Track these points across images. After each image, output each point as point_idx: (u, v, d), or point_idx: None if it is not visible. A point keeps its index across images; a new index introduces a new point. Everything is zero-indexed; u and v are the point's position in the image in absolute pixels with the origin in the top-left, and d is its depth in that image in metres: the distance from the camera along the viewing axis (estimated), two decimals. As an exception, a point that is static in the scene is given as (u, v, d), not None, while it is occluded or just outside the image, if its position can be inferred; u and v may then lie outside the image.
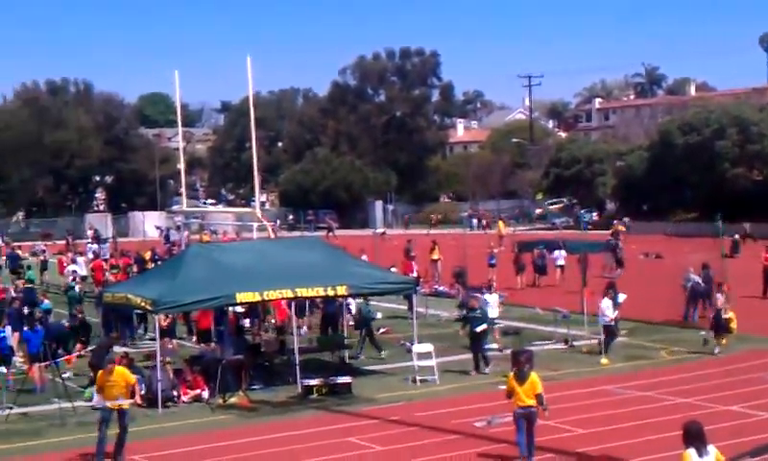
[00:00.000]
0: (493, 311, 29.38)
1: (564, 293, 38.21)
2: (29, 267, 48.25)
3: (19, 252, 56.25)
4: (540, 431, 17.93)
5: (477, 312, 26.86)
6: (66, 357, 26.78)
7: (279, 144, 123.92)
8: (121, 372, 19.12)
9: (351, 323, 31.22)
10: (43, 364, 24.79)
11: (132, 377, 19.45)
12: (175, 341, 29.42)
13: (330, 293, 25.69)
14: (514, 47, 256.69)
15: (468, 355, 26.98)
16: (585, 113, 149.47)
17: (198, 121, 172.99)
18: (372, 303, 30.13)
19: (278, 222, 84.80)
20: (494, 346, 28.53)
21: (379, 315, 33.28)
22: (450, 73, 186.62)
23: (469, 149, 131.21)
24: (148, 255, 47.65)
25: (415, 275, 38.67)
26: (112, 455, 18.91)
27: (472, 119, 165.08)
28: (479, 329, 26.42)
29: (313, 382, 24.36)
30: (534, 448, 17.48)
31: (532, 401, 17.24)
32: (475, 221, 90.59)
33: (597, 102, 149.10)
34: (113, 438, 18.84)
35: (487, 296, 29.56)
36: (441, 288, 42.84)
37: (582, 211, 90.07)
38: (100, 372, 19.47)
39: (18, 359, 27.51)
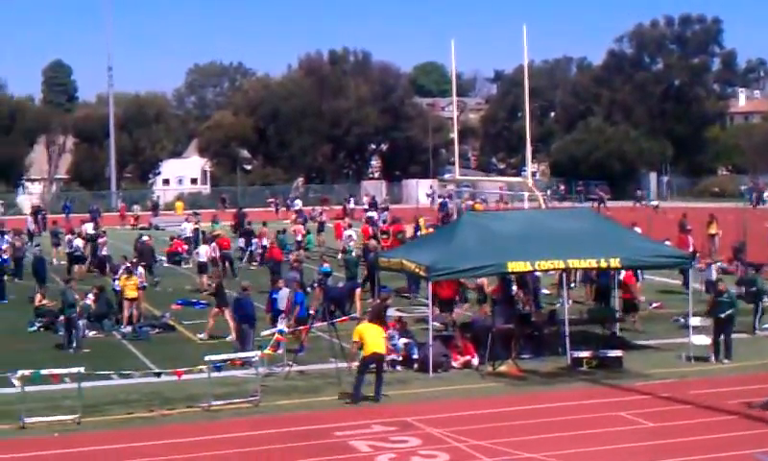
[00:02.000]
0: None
1: None
2: (308, 231, 50.16)
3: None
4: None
5: (725, 297, 25.39)
6: (341, 319, 27.77)
7: (552, 114, 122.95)
8: (379, 330, 21.92)
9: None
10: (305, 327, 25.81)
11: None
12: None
13: (603, 265, 25.36)
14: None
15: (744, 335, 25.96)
16: None
17: (471, 90, 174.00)
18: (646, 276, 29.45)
19: (549, 192, 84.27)
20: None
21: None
22: (733, 41, 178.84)
23: (751, 119, 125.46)
24: (422, 222, 48.72)
25: (691, 249, 37.45)
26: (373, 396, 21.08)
27: (755, 89, 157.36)
28: (724, 315, 25.01)
29: (583, 354, 24.19)
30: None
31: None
32: (755, 195, 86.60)
33: None
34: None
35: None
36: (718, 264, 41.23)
37: None
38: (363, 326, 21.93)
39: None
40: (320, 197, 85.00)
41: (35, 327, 30.33)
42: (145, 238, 43.40)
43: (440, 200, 73.37)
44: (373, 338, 21.44)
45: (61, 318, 28.30)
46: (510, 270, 24.77)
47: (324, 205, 72.43)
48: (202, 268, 38.34)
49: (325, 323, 25.24)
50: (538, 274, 28.46)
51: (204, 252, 39.06)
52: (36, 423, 19.80)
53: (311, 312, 26.36)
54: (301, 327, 25.73)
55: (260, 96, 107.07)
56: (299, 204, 71.14)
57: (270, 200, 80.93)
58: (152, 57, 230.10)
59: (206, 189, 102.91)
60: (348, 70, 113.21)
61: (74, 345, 27.06)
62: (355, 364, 21.93)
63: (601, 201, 76.87)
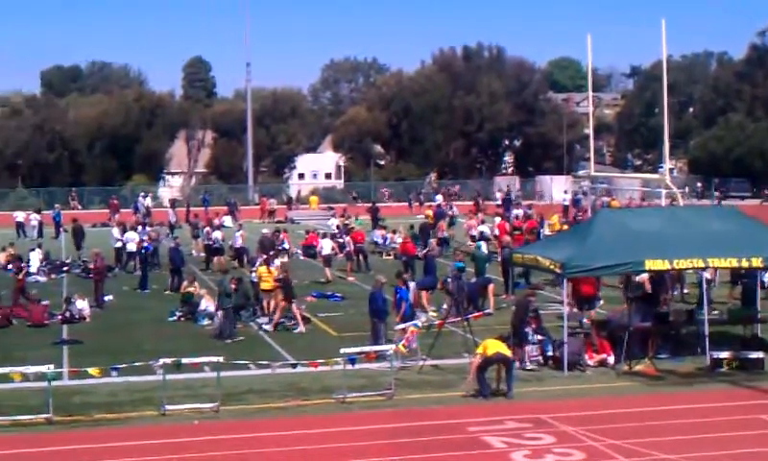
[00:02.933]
0: None
1: None
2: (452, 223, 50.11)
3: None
4: None
5: None
6: (475, 314, 27.68)
7: (690, 110, 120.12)
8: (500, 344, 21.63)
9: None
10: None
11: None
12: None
13: (744, 264, 24.66)
14: None
15: None
16: None
17: (606, 86, 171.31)
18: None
19: (687, 189, 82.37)
20: None
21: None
22: None
23: None
24: (554, 219, 48.22)
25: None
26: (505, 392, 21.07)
27: None
28: None
29: (723, 355, 23.60)
30: None
31: None
32: None
33: None
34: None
35: None
36: None
37: None
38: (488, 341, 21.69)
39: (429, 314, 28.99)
40: (447, 191, 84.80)
41: (175, 317, 31.20)
42: (264, 231, 44.19)
43: (573, 196, 72.56)
44: (495, 345, 21.43)
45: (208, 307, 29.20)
46: (647, 268, 24.30)
47: (451, 199, 72.39)
48: (327, 261, 39.49)
49: (459, 318, 25.23)
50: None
51: (329, 246, 40.02)
52: (176, 410, 20.36)
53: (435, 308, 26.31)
54: (437, 322, 25.81)
55: (393, 92, 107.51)
56: (439, 198, 71.17)
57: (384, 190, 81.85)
58: (288, 53, 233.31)
59: (340, 184, 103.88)
60: (481, 66, 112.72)
61: (229, 334, 27.75)
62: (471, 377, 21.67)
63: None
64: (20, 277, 33.91)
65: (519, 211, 55.94)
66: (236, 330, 28.35)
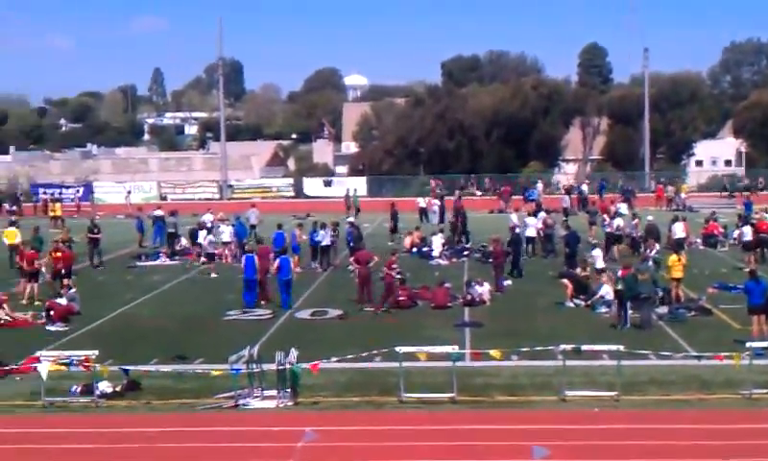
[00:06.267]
0: None
1: None
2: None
3: None
4: None
5: None
6: None
7: None
8: None
9: None
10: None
11: None
12: None
13: None
14: None
15: None
16: None
17: None
18: None
19: None
20: None
21: None
22: None
23: None
24: None
25: None
26: None
27: None
28: None
29: None
30: None
31: None
32: None
33: None
34: None
35: None
36: None
37: None
38: None
39: None
40: None
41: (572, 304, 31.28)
42: (650, 218, 43.11)
43: None
44: None
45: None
46: None
47: None
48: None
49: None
50: None
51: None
52: (576, 396, 20.45)
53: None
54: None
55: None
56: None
57: None
58: (687, 36, 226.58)
59: (741, 171, 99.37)
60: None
61: (627, 324, 27.56)
62: None
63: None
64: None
65: None
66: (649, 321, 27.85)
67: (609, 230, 42.64)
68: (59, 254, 34.77)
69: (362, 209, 64.31)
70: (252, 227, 48.16)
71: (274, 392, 20.78)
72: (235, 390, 21.11)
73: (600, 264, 33.74)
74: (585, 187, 69.89)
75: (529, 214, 46.39)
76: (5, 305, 30.17)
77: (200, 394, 21.24)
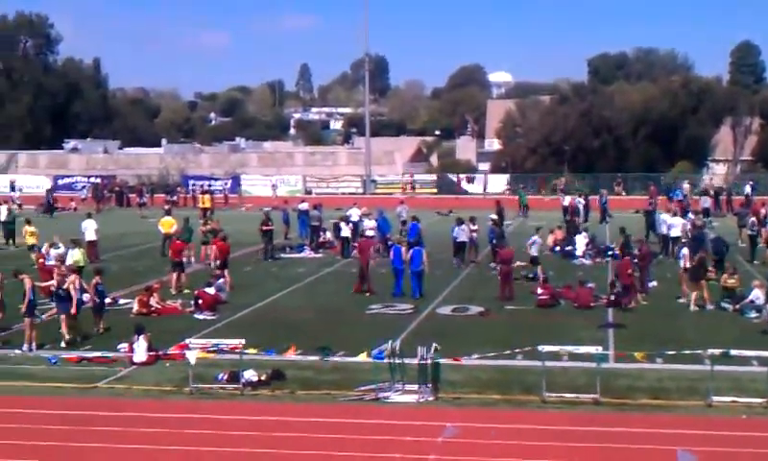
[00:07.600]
0: None
1: None
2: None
3: None
4: None
5: None
6: None
7: None
8: None
9: None
10: None
11: None
12: None
13: None
14: None
15: None
16: None
17: None
18: None
19: None
20: None
21: None
22: None
23: None
24: None
25: None
26: None
27: None
28: None
29: None
30: None
31: None
32: None
33: None
34: None
35: None
36: None
37: None
38: None
39: None
40: None
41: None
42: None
43: None
44: None
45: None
46: None
47: None
48: None
49: None
50: None
51: None
52: (723, 402, 19.95)
53: None
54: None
55: None
56: None
57: None
58: None
59: None
60: None
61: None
62: None
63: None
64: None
65: None
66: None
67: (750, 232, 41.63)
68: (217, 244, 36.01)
69: (530, 207, 64.23)
70: (403, 222, 48.49)
71: (414, 386, 20.89)
72: (377, 383, 21.34)
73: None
74: (748, 188, 68.60)
75: (674, 214, 45.35)
76: (155, 294, 31.14)
77: (342, 386, 21.53)
